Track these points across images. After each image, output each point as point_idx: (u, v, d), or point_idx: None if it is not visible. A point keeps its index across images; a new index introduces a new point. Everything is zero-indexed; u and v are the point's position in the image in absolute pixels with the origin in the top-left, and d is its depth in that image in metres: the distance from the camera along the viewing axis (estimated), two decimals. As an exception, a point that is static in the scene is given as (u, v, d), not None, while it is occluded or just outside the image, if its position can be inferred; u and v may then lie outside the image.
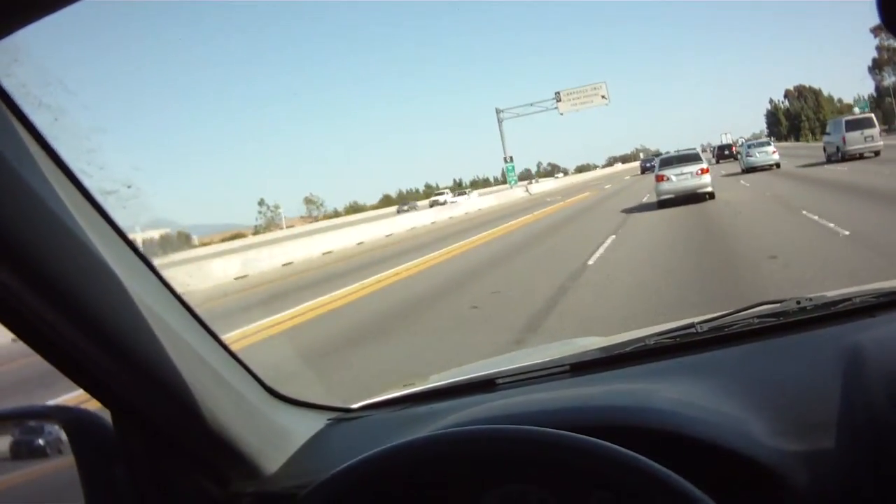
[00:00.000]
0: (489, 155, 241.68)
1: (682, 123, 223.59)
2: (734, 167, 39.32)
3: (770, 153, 30.46)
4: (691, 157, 19.77)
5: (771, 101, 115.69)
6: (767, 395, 1.18)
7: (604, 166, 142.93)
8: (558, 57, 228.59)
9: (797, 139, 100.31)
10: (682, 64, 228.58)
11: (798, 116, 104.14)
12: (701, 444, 1.04)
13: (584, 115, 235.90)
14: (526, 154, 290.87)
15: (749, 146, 32.68)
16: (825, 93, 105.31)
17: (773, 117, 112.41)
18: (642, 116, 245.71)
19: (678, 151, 22.12)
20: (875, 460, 0.97)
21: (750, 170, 29.87)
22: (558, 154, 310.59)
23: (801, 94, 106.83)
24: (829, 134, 28.26)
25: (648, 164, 56.55)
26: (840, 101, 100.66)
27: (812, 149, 41.29)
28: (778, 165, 29.85)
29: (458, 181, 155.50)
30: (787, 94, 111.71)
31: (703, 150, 30.28)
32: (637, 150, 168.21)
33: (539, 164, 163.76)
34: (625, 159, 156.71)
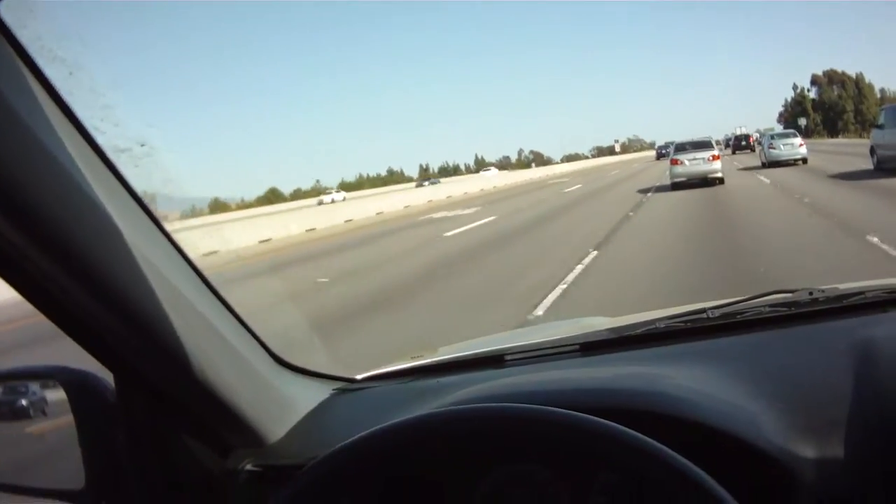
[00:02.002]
0: (464, 139, 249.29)
1: (686, 117, 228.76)
2: (751, 160, 39.42)
3: (797, 146, 30.11)
4: (704, 145, 24.47)
5: (795, 87, 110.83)
6: (777, 385, 1.28)
7: (594, 156, 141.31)
8: (552, 48, 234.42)
9: (833, 134, 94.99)
10: (687, 53, 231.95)
11: (833, 107, 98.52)
12: (709, 431, 1.15)
13: (577, 102, 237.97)
14: (508, 140, 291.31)
15: (772, 137, 32.20)
16: (866, 80, 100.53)
17: (797, 107, 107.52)
18: (641, 107, 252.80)
19: (692, 140, 26.24)
20: (884, 459, 1.07)
21: (772, 164, 29.61)
22: (546, 142, 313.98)
23: (834, 81, 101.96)
24: (881, 127, 19.92)
25: (664, 151, 64.86)
26: (884, 90, 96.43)
27: (849, 147, 39.57)
28: (805, 160, 29.52)
29: (424, 167, 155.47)
30: (815, 81, 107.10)
31: (717, 143, 30.99)
32: (630, 140, 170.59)
33: (521, 152, 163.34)
34: (624, 148, 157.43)
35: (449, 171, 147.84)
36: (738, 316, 1.58)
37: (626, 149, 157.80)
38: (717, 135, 56.62)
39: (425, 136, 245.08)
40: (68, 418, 1.21)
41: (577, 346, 1.61)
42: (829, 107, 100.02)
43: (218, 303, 1.28)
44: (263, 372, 1.38)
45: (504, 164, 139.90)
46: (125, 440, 1.22)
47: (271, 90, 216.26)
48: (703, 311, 1.60)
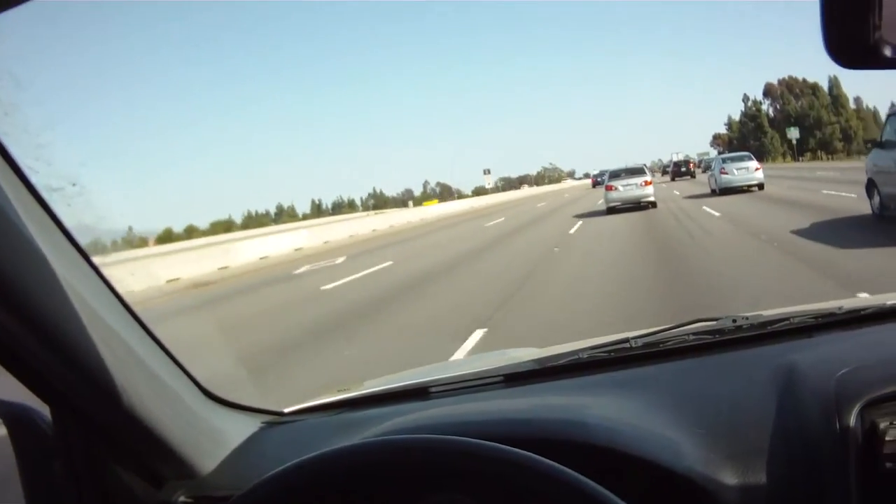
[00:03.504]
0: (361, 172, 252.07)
1: (612, 144, 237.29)
2: (693, 187, 40.83)
3: (752, 170, 30.89)
4: (637, 171, 29.95)
5: (746, 99, 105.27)
6: (700, 413, 1.48)
7: (502, 189, 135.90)
8: (461, 73, 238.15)
9: (797, 155, 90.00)
10: (608, 80, 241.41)
11: (801, 120, 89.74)
12: (632, 460, 1.34)
13: (490, 130, 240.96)
14: (411, 172, 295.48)
15: (723, 161, 32.77)
16: (840, 87, 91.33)
17: (750, 123, 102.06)
18: (559, 134, 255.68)
19: (626, 166, 31.79)
20: (807, 484, 1.28)
21: (724, 191, 30.11)
22: (454, 174, 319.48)
23: (794, 90, 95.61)
24: (883, 146, 14.02)
25: (600, 179, 68.75)
26: (859, 99, 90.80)
27: (815, 172, 39.43)
28: (761, 187, 30.21)
29: (317, 202, 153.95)
30: (768, 92, 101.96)
31: (652, 170, 33.90)
32: (546, 169, 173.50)
33: (426, 185, 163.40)
34: (536, 180, 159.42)
35: (343, 207, 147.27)
36: (662, 345, 1.83)
37: (538, 180, 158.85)
38: (646, 161, 59.20)
39: (317, 168, 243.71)
40: (4, 452, 1.38)
41: (502, 378, 1.84)
42: (795, 120, 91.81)
43: (148, 338, 1.48)
44: (194, 406, 1.59)
45: (407, 199, 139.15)
46: (63, 472, 1.39)
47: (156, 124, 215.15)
48: (627, 340, 1.85)
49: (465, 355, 7.90)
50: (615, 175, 30.07)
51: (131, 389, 1.36)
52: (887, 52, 0.94)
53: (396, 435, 1.46)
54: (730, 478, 1.33)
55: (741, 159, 32.47)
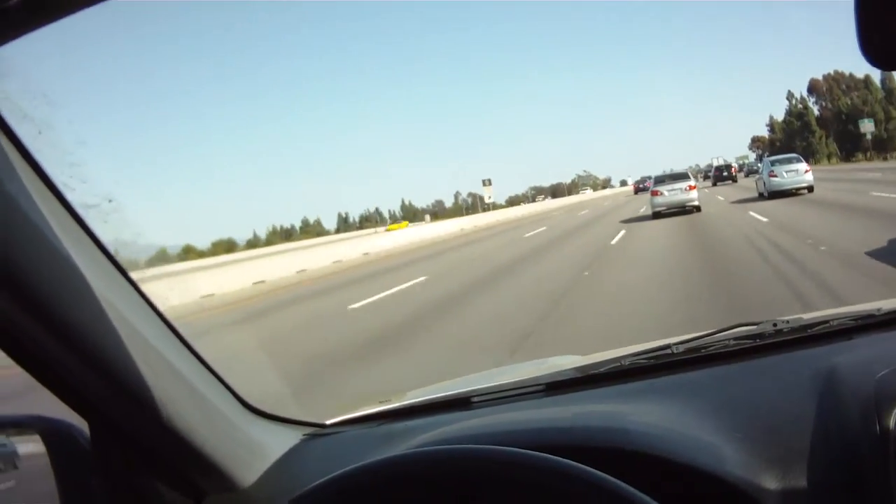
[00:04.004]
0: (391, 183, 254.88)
1: (647, 150, 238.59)
2: (736, 192, 41.27)
3: (802, 172, 30.69)
4: (681, 176, 31.68)
5: (791, 96, 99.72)
6: (742, 418, 1.54)
7: (533, 199, 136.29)
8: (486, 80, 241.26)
9: (847, 156, 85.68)
10: (641, 85, 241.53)
11: (853, 118, 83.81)
12: (673, 465, 1.40)
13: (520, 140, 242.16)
14: (441, 183, 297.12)
15: (772, 163, 32.58)
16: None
17: (797, 122, 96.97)
18: (592, 141, 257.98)
19: (671, 171, 34.86)
20: (847, 489, 1.33)
21: (774, 195, 29.89)
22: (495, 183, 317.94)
23: (841, 85, 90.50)
24: None
25: (642, 185, 78.07)
26: None
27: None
28: (811, 189, 30.01)
29: (343, 216, 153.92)
30: (813, 88, 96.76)
31: (695, 175, 35.27)
32: (580, 177, 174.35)
33: (457, 196, 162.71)
34: (567, 189, 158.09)
35: (373, 220, 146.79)
36: (703, 350, 1.90)
37: (570, 189, 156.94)
38: (681, 167, 58.62)
39: (344, 181, 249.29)
40: (42, 469, 1.44)
41: (543, 387, 1.93)
42: (846, 118, 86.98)
43: (187, 352, 1.55)
44: (234, 419, 1.66)
45: (437, 211, 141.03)
46: (101, 487, 1.46)
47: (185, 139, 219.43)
48: (668, 346, 1.92)
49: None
50: (660, 180, 31.96)
51: (170, 403, 1.42)
52: None
53: (439, 445, 1.52)
54: (770, 482, 1.38)
55: (790, 161, 32.29)
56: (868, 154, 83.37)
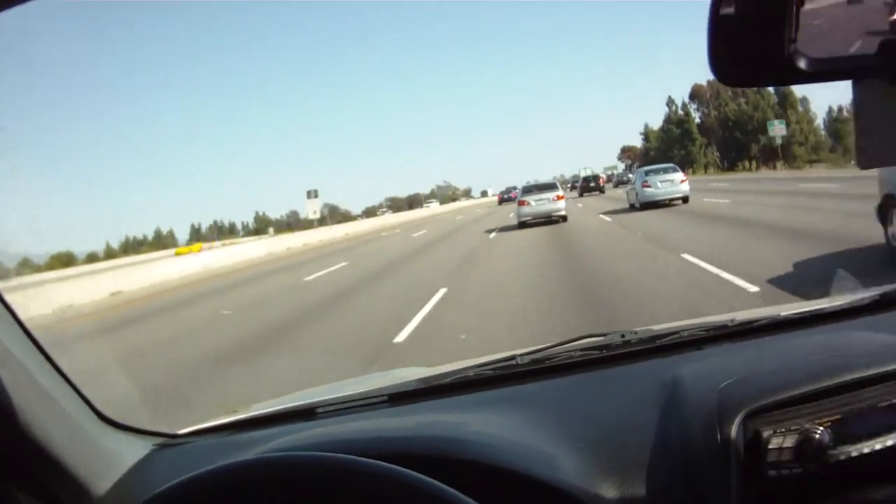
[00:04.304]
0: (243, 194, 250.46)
1: (513, 161, 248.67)
2: (604, 203, 43.56)
3: (678, 182, 31.75)
4: (549, 187, 33.52)
5: (670, 102, 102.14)
6: (583, 427, 1.71)
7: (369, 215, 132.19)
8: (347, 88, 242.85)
9: (728, 165, 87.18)
10: (504, 93, 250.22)
11: (743, 125, 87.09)
12: (506, 473, 1.53)
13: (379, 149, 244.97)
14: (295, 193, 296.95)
15: (647, 174, 33.78)
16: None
17: (676, 131, 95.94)
18: (454, 152, 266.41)
19: (537, 182, 36.74)
20: (686, 491, 1.50)
21: (646, 206, 31.09)
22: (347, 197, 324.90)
23: (726, 90, 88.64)
24: None
25: (507, 196, 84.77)
26: (805, 100, 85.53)
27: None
28: (685, 200, 31.33)
29: (196, 227, 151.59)
30: (696, 94, 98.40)
31: (563, 185, 37.68)
32: (439, 187, 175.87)
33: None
34: (412, 202, 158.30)
35: (224, 232, 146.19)
36: (548, 361, 2.11)
37: (428, 200, 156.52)
38: (547, 177, 59.97)
39: (199, 190, 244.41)
40: None
41: (387, 398, 2.11)
42: (733, 124, 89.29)
43: (44, 360, 1.69)
44: (88, 428, 1.80)
45: (291, 223, 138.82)
46: None
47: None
48: (513, 357, 2.13)
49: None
50: (528, 190, 34.12)
51: (25, 410, 1.53)
52: (802, 64, 1.11)
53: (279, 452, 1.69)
54: (608, 490, 1.52)
55: (665, 171, 33.65)
56: (754, 164, 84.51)
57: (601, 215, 32.20)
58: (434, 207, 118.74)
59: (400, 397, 2.09)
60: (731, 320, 2.15)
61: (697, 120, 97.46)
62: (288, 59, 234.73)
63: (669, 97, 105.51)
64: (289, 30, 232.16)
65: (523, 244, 23.64)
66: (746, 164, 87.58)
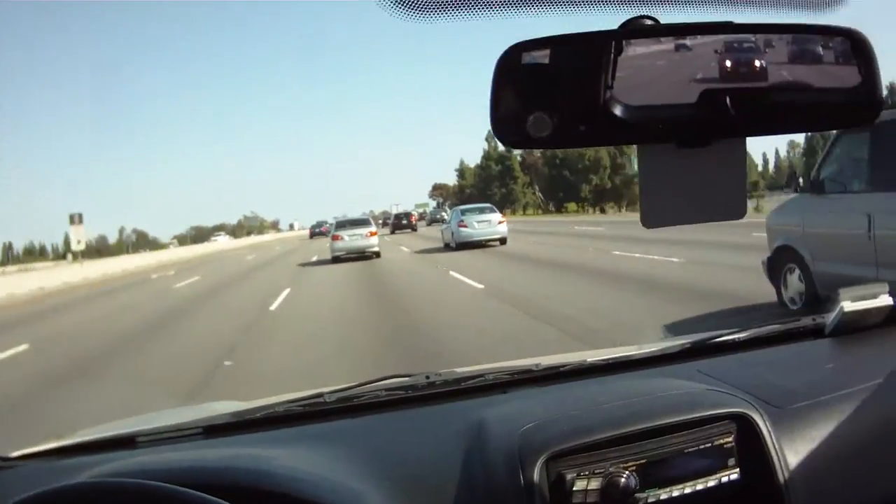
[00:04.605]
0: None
1: (323, 194, 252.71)
2: (418, 241, 43.38)
3: (495, 223, 32.46)
4: (363, 222, 34.95)
5: (490, 138, 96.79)
6: (388, 466, 1.79)
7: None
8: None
9: (556, 206, 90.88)
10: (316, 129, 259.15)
11: (571, 165, 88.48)
12: None
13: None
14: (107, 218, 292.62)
15: (463, 213, 34.20)
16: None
17: (495, 168, 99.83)
18: (265, 184, 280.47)
19: (346, 217, 40.07)
20: None
21: (462, 246, 31.54)
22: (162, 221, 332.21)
23: None
24: (821, 188, 9.26)
25: (317, 230, 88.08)
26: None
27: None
28: (503, 241, 32.06)
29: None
30: None
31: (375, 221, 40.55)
32: (247, 217, 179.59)
33: (122, 231, 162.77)
34: (234, 231, 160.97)
35: (33, 253, 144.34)
36: (355, 399, 2.22)
37: (236, 230, 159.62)
38: (356, 213, 64.33)
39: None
40: None
41: (201, 430, 2.18)
42: (560, 162, 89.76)
43: None
44: None
45: (99, 248, 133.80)
46: None
47: None
48: (321, 395, 2.24)
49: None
50: (341, 225, 35.08)
51: None
52: (608, 123, 1.19)
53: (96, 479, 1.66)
54: None
55: (482, 211, 34.37)
56: (583, 206, 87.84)
57: (416, 254, 33.42)
58: (222, 242, 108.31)
59: (214, 430, 2.16)
60: (537, 365, 2.30)
61: (519, 158, 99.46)
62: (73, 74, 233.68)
63: (489, 132, 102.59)
64: (75, 48, 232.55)
65: (337, 278, 23.90)
66: (574, 205, 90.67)
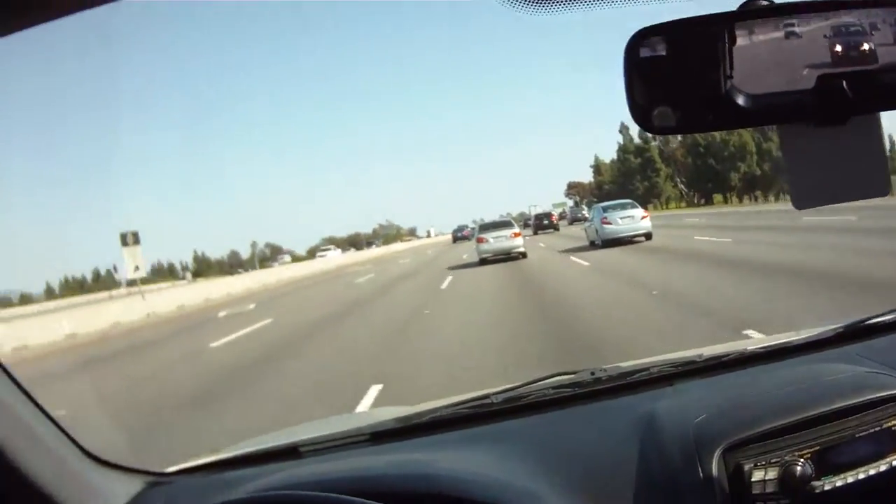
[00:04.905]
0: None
1: (459, 199, 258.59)
2: (561, 241, 42.84)
3: (638, 218, 32.68)
4: (505, 224, 37.25)
5: (624, 128, 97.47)
6: (560, 463, 1.88)
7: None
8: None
9: (704, 198, 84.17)
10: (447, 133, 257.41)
11: (717, 153, 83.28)
12: None
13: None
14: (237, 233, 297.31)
15: (605, 210, 34.26)
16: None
17: (635, 161, 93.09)
18: (398, 192, 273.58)
19: (494, 220, 40.78)
20: None
21: (607, 244, 31.49)
22: (292, 234, 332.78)
23: None
24: None
25: (459, 235, 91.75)
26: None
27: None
28: (648, 237, 32.10)
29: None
30: None
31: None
32: (382, 226, 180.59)
33: (254, 245, 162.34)
34: (353, 241, 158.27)
35: (164, 273, 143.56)
36: (522, 399, 2.32)
37: (364, 242, 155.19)
38: (491, 216, 64.17)
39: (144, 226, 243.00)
40: None
41: (368, 437, 2.31)
42: (704, 150, 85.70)
43: (24, 398, 1.76)
44: (76, 467, 1.88)
45: (234, 261, 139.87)
46: None
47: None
48: (488, 396, 2.34)
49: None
50: (485, 228, 37.14)
51: (10, 451, 1.60)
52: (737, 106, 1.24)
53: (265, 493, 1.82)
54: None
55: (624, 207, 34.47)
56: (730, 196, 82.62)
57: (567, 255, 31.36)
58: (332, 257, 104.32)
59: (381, 436, 2.26)
60: (699, 356, 2.34)
61: (658, 147, 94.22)
62: (222, 93, 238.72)
63: (622, 123, 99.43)
64: (224, 63, 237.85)
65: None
66: (720, 196, 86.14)
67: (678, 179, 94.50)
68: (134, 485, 2.07)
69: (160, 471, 2.21)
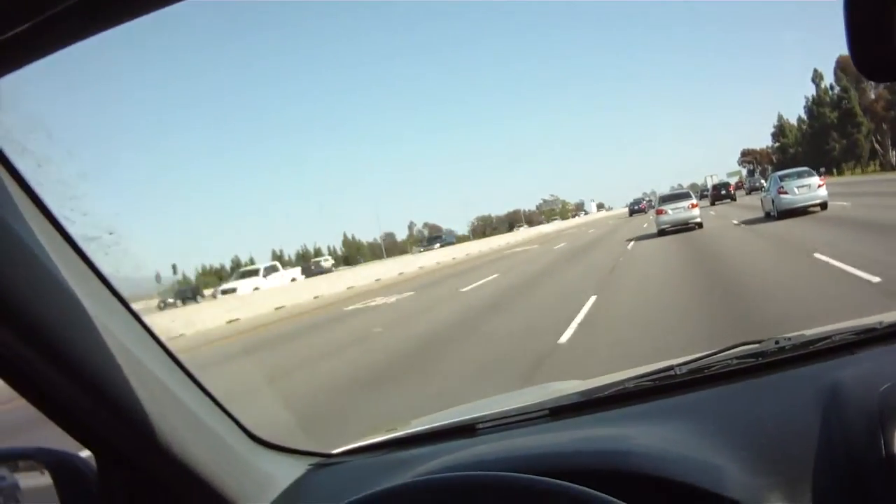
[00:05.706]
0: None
1: (622, 171, 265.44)
2: (737, 211, 46.92)
3: (815, 187, 32.97)
4: (683, 195, 40.72)
5: (816, 76, 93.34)
6: (746, 435, 1.86)
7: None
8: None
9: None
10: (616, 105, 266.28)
11: None
12: (676, 486, 1.68)
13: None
14: (396, 213, 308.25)
15: (781, 178, 34.70)
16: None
17: (830, 115, 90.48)
18: (563, 166, 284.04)
19: (673, 190, 45.24)
20: (853, 499, 1.58)
21: (783, 214, 32.37)
22: (446, 214, 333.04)
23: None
24: None
25: (636, 208, 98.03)
26: None
27: None
28: (824, 206, 32.54)
29: (278, 253, 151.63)
30: (845, 68, 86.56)
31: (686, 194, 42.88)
32: (546, 202, 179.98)
33: (411, 226, 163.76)
34: (519, 219, 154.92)
35: (309, 257, 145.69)
36: (706, 371, 2.28)
37: (530, 218, 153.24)
38: (667, 187, 66.42)
39: (281, 215, 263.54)
40: (51, 500, 1.70)
41: (547, 412, 2.33)
42: None
43: (190, 383, 1.89)
44: (240, 449, 2.01)
45: (388, 246, 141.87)
46: None
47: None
48: (671, 368, 2.32)
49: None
50: (664, 200, 41.54)
51: (175, 435, 1.73)
52: None
53: (442, 473, 1.85)
54: (775, 499, 1.67)
55: (800, 175, 34.53)
56: None
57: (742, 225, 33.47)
58: (524, 231, 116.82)
59: (560, 411, 2.33)
60: (880, 323, 2.29)
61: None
62: (378, 76, 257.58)
63: (815, 71, 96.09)
64: (383, 49, 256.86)
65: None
66: None
67: (874, 137, 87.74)
68: (299, 467, 2.27)
69: (327, 451, 2.38)
